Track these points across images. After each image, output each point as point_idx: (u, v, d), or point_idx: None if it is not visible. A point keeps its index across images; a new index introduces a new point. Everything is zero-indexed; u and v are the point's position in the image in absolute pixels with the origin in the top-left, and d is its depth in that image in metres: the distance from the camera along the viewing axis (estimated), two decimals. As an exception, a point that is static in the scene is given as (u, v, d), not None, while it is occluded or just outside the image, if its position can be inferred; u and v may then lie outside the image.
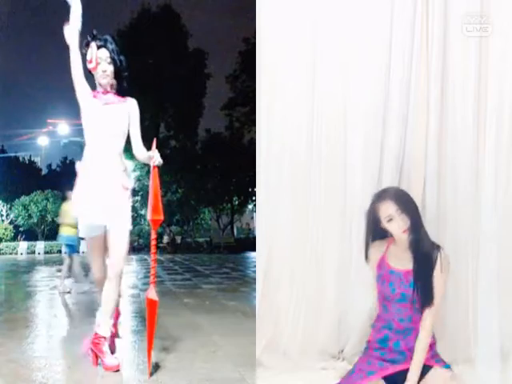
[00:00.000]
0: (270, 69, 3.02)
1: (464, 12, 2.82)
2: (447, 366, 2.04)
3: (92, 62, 2.67)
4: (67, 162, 35.22)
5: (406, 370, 1.99)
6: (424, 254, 2.10)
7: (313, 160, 3.03)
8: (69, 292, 6.50)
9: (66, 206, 6.82)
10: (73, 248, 6.92)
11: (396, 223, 2.12)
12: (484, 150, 2.84)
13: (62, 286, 6.61)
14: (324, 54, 3.00)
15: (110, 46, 2.68)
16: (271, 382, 2.66)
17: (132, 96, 2.90)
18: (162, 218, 2.61)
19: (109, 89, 2.75)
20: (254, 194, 23.01)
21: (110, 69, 2.71)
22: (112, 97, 2.76)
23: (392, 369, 2.02)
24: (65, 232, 6.80)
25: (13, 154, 30.49)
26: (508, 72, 2.84)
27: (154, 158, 2.65)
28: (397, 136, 2.93)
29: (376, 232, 2.23)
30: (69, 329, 4.01)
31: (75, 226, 6.02)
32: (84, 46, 2.70)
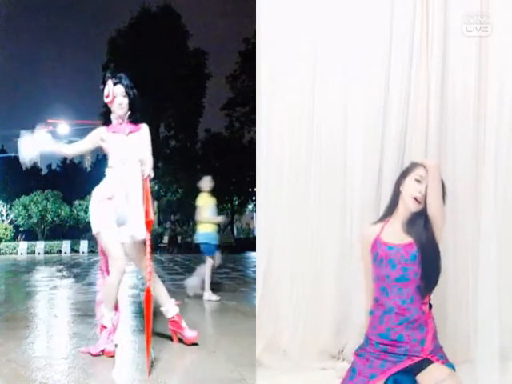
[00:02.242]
0: (270, 69, 3.02)
1: (464, 12, 2.82)
2: (450, 365, 2.02)
3: (109, 97, 3.07)
4: (67, 162, 35.21)
5: (408, 366, 1.97)
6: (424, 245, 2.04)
7: (313, 160, 3.04)
8: (218, 300, 5.45)
9: (200, 201, 5.89)
10: (210, 247, 5.67)
11: (419, 187, 2.04)
12: (484, 149, 2.84)
13: (208, 293, 5.55)
14: (324, 53, 3.00)
15: (125, 82, 3.08)
16: (271, 382, 2.66)
17: None
18: (151, 219, 2.88)
19: (125, 120, 3.13)
20: (254, 194, 23.01)
21: (125, 101, 3.10)
22: (131, 126, 3.13)
23: (394, 369, 1.99)
24: (201, 229, 5.72)
25: (13, 154, 30.48)
26: (508, 72, 2.84)
27: (144, 171, 2.97)
28: (397, 136, 2.93)
29: (394, 197, 2.16)
30: (69, 328, 4.01)
31: (213, 222, 5.84)
32: (101, 83, 3.12)
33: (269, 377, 2.67)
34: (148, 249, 2.86)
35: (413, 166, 2.16)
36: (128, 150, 3.06)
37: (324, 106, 3.02)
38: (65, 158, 35.93)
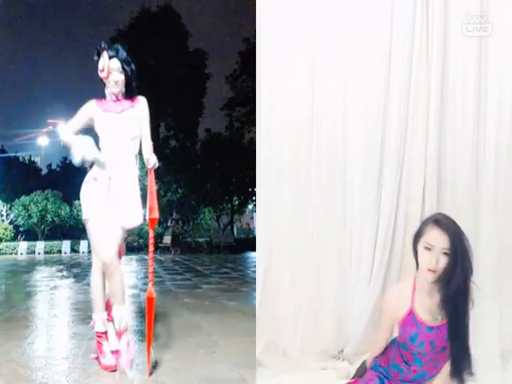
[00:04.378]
0: (270, 69, 3.02)
1: (464, 12, 2.82)
2: None
3: (104, 71, 2.75)
4: (67, 161, 35.18)
5: None
6: (458, 313, 1.80)
7: (313, 160, 3.03)
8: None
9: None
10: None
11: (431, 257, 1.79)
12: (484, 149, 2.84)
13: None
14: (324, 54, 3.00)
15: (121, 56, 2.77)
16: (271, 382, 2.66)
17: None
18: (157, 216, 2.69)
19: (120, 97, 2.83)
20: (254, 194, 22.99)
21: (122, 78, 2.78)
22: (124, 103, 2.84)
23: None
24: None
25: (13, 154, 30.48)
26: (508, 72, 2.84)
27: (150, 161, 2.74)
28: (397, 136, 2.93)
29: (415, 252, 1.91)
30: (69, 328, 4.01)
31: None
32: (95, 54, 2.78)
33: (269, 377, 2.67)
34: (150, 248, 2.72)
35: (423, 227, 1.88)
36: (119, 130, 2.79)
37: (324, 106, 3.02)
38: (65, 158, 35.93)
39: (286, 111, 3.04)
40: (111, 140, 2.78)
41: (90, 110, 2.84)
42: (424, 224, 1.88)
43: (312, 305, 3.00)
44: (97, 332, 2.84)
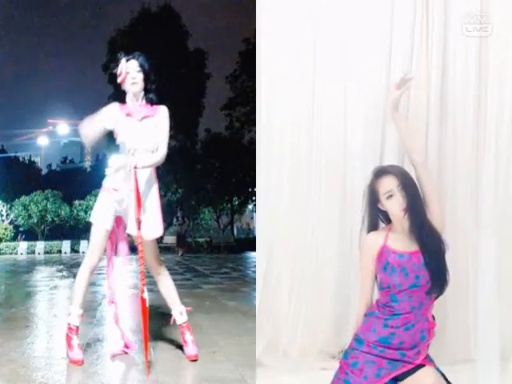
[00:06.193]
0: (270, 69, 3.02)
1: (464, 12, 2.82)
2: (437, 369, 2.02)
3: (122, 74, 2.77)
4: (67, 161, 35.30)
5: (401, 374, 1.96)
6: (429, 236, 1.97)
7: (313, 160, 3.04)
8: None
9: None
10: None
11: (396, 200, 1.97)
12: (484, 149, 2.84)
13: None
14: (324, 54, 3.01)
15: (139, 58, 2.82)
16: (271, 382, 2.66)
17: None
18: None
19: (139, 100, 2.82)
20: (254, 194, 23.01)
21: (140, 76, 2.80)
22: (146, 110, 2.83)
23: (386, 378, 1.97)
24: None
25: (13, 154, 30.51)
26: (508, 71, 2.84)
27: (132, 160, 2.68)
28: (397, 136, 2.93)
29: (373, 215, 2.08)
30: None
31: None
32: (115, 66, 2.82)
33: (269, 377, 2.67)
34: (139, 247, 2.77)
35: (372, 188, 2.04)
36: (138, 139, 2.75)
37: (324, 106, 3.02)
38: (65, 158, 36.00)
39: (286, 111, 3.04)
40: (129, 149, 2.76)
41: (113, 110, 2.81)
42: (370, 186, 2.05)
43: (312, 305, 3.00)
44: (69, 324, 2.89)
